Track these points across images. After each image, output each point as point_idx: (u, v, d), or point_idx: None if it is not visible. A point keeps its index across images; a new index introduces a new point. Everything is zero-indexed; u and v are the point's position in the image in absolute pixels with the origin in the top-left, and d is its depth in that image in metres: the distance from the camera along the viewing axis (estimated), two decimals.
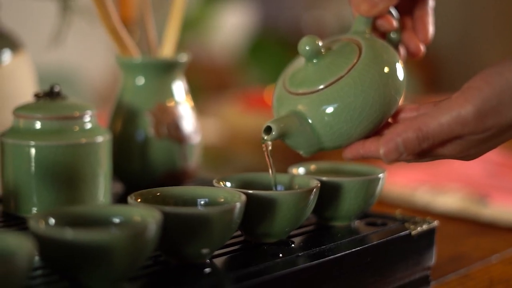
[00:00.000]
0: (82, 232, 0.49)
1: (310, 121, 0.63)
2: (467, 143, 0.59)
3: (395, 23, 0.68)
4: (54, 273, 0.53)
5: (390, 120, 0.66)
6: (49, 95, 0.71)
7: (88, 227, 0.53)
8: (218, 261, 0.58)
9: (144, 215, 0.53)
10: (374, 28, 0.69)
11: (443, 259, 0.75)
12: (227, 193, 0.60)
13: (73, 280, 0.51)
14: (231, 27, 2.82)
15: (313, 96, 0.63)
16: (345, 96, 0.62)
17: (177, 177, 0.79)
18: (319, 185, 0.63)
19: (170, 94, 0.80)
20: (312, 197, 0.62)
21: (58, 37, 0.98)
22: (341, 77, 0.63)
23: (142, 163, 0.79)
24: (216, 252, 0.59)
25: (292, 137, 0.63)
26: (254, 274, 0.55)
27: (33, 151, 0.68)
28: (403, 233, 0.67)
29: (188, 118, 0.81)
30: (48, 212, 0.53)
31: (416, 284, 0.68)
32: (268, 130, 0.63)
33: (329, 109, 0.63)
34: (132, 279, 0.53)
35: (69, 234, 0.49)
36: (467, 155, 0.61)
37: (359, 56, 0.64)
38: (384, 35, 0.70)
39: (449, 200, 0.98)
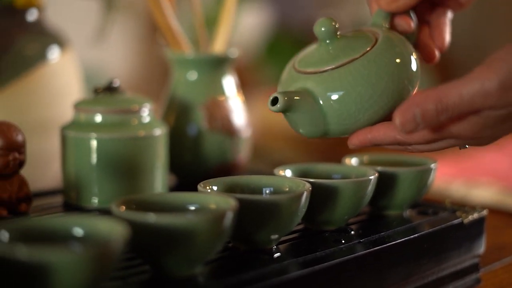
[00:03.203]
0: (165, 216, 0.51)
1: (318, 98, 0.61)
2: (484, 121, 0.56)
3: (412, 25, 0.67)
4: (136, 257, 0.55)
5: None
6: (108, 89, 0.74)
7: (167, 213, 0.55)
8: (284, 247, 0.60)
9: (219, 202, 0.55)
10: (392, 28, 0.69)
11: (487, 249, 0.77)
12: (292, 182, 0.62)
13: (154, 263, 0.53)
14: (247, 27, 2.84)
15: (323, 75, 0.62)
16: (357, 76, 0.61)
17: (229, 169, 0.82)
18: (376, 174, 0.65)
19: (222, 89, 0.82)
20: (370, 186, 0.64)
21: (101, 35, 1.01)
22: (355, 58, 0.61)
23: (195, 156, 0.81)
24: (281, 239, 0.61)
25: (297, 112, 0.61)
26: (321, 259, 0.57)
27: (94, 143, 0.70)
28: (455, 221, 0.69)
29: (239, 112, 0.83)
30: (127, 199, 0.55)
31: (467, 271, 0.70)
32: (274, 101, 0.61)
33: (339, 88, 0.61)
34: (205, 264, 0.55)
35: (152, 218, 0.51)
36: (482, 136, 0.58)
37: (375, 43, 0.63)
38: None
39: (484, 193, 1.00)
